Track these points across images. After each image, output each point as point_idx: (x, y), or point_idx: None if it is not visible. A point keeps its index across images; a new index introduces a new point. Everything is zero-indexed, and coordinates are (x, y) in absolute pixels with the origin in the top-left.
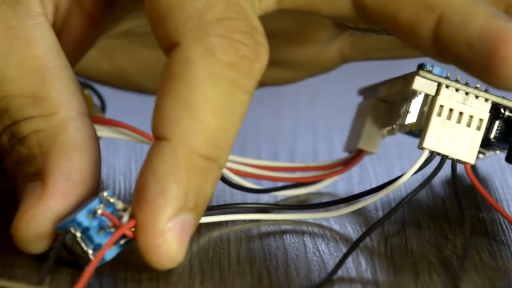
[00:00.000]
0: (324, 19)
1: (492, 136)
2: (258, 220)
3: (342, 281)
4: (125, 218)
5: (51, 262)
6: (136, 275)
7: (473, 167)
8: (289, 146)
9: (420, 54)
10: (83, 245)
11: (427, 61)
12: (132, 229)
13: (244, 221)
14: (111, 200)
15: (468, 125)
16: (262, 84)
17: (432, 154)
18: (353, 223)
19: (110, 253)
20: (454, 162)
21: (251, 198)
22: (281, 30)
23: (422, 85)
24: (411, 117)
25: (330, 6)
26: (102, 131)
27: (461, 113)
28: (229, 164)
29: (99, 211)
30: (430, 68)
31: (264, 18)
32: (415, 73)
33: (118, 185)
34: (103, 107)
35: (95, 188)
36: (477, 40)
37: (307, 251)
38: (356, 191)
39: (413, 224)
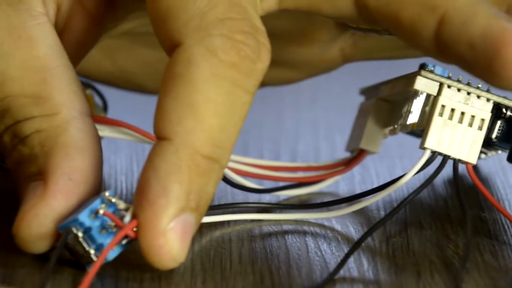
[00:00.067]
0: (325, 19)
1: (493, 136)
2: (260, 220)
3: (344, 281)
4: (127, 218)
5: (54, 262)
6: (138, 275)
7: (475, 167)
8: (291, 146)
9: (422, 54)
10: (85, 245)
11: (429, 61)
12: (134, 229)
13: (246, 221)
14: (113, 200)
15: (470, 125)
16: (263, 84)
17: (434, 154)
18: (355, 223)
19: (112, 253)
20: (456, 162)
21: (253, 198)
22: (283, 30)
23: (423, 85)
24: (413, 117)
25: (331, 6)
26: (104, 131)
27: (462, 113)
28: (231, 164)
29: (101, 211)
30: (432, 68)
31: (266, 18)
32: (417, 73)
33: (120, 184)
34: (105, 107)
35: (97, 188)
36: (479, 40)
37: (309, 251)
38: (358, 191)
39: (415, 224)
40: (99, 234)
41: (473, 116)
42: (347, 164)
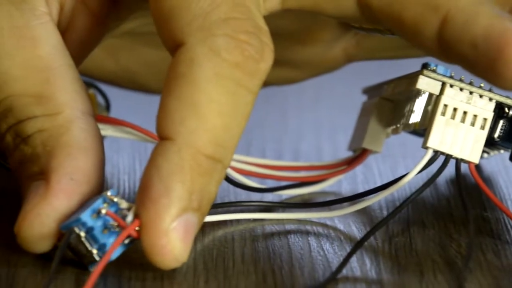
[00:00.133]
0: (328, 19)
1: (496, 135)
2: (262, 220)
3: (346, 280)
4: (130, 217)
5: (57, 262)
6: (140, 274)
7: (478, 167)
8: (293, 145)
9: (425, 54)
10: (87, 244)
11: (432, 60)
12: (136, 229)
13: (249, 220)
14: (115, 199)
15: (472, 124)
16: (267, 83)
17: (436, 153)
18: (358, 222)
19: (114, 252)
20: (458, 161)
21: (255, 197)
22: (286, 30)
23: (426, 84)
24: (415, 116)
25: (334, 6)
26: (107, 130)
27: (465, 113)
28: (233, 163)
29: (103, 211)
30: (434, 68)
31: (269, 18)
32: (419, 73)
33: (123, 184)
34: (107, 106)
35: (99, 188)
36: (482, 40)
37: (311, 250)
38: (361, 190)
39: (417, 224)
40: (101, 233)
41: (475, 116)
42: (349, 163)
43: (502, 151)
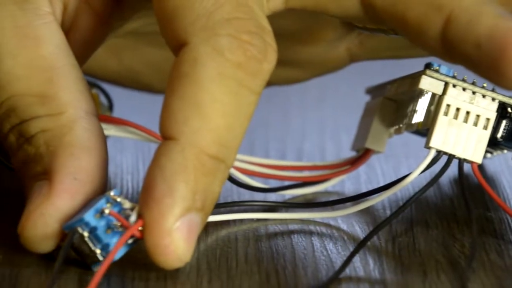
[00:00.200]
0: (332, 18)
1: (499, 135)
2: (265, 219)
3: (349, 280)
4: (133, 217)
5: (60, 262)
6: (144, 274)
7: (480, 167)
8: (296, 145)
9: (428, 54)
10: (90, 244)
11: (435, 60)
12: (140, 229)
13: (252, 220)
14: (118, 199)
15: (475, 124)
16: (270, 83)
17: (439, 153)
18: (361, 222)
19: (118, 252)
20: (461, 161)
21: (258, 197)
22: (289, 30)
23: (429, 84)
24: (418, 116)
25: (338, 6)
26: (110, 130)
27: (468, 113)
28: (236, 163)
29: (106, 211)
30: (437, 67)
31: (272, 18)
32: (422, 72)
33: (126, 184)
34: (110, 106)
35: (102, 188)
36: (485, 40)
37: (314, 250)
38: (364, 190)
39: (420, 223)
40: (104, 233)
41: (478, 116)
42: (352, 163)
43: (505, 151)
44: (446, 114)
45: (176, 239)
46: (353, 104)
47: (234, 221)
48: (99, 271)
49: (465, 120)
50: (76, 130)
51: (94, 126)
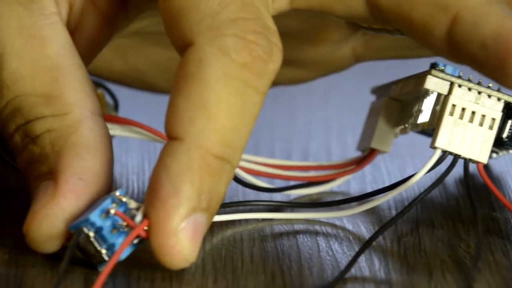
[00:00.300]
0: (337, 19)
1: (504, 135)
2: (271, 219)
3: (355, 280)
4: (138, 217)
5: (67, 262)
6: (149, 274)
7: (486, 167)
8: (302, 145)
9: (433, 54)
10: (96, 244)
11: (440, 60)
12: (145, 229)
13: (257, 220)
14: (123, 199)
15: (481, 124)
16: (275, 83)
17: (445, 153)
18: (366, 222)
19: (123, 252)
20: (467, 161)
21: (264, 197)
22: (295, 30)
23: (434, 84)
24: (424, 116)
25: (343, 6)
26: (115, 130)
27: (473, 113)
28: (242, 163)
29: (112, 211)
30: (443, 67)
31: (278, 18)
32: (428, 72)
33: (131, 184)
34: (116, 106)
35: (108, 188)
36: (491, 40)
37: (320, 250)
38: (369, 190)
39: (426, 223)
40: (110, 233)
41: (483, 116)
42: (358, 163)
43: (510, 151)
44: (451, 114)
45: (181, 240)
46: (359, 104)
47: (240, 221)
48: (105, 271)
49: (471, 120)
50: (82, 130)
51: (100, 126)
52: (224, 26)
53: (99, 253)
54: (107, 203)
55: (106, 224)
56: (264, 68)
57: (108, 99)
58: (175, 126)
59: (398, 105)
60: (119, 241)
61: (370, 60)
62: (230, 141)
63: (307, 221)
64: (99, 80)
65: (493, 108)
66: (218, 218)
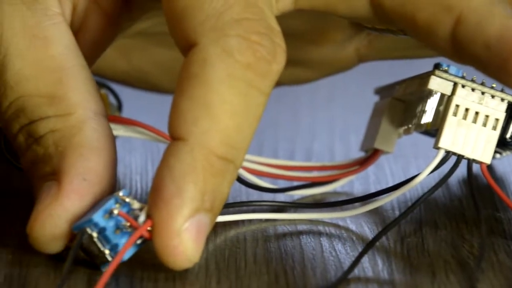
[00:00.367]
0: (341, 19)
1: (508, 135)
2: (274, 220)
3: (358, 281)
4: (142, 217)
5: (70, 263)
6: (152, 274)
7: (490, 167)
8: (305, 145)
9: (437, 54)
10: (99, 245)
11: (444, 60)
12: (149, 229)
13: (261, 220)
14: (127, 199)
15: (484, 124)
16: (279, 83)
17: (448, 153)
18: (370, 222)
19: (127, 253)
20: (470, 162)
21: (267, 197)
22: (298, 30)
23: (437, 84)
24: (427, 117)
25: (347, 7)
26: (119, 130)
27: (477, 113)
28: (245, 163)
29: (115, 211)
30: (446, 68)
31: (281, 18)
32: (431, 73)
33: (135, 184)
34: (119, 106)
35: (111, 188)
36: (495, 41)
37: (323, 251)
38: (373, 190)
39: (429, 224)
40: (113, 234)
41: (487, 116)
42: (361, 163)
43: None
44: (455, 114)
45: (185, 240)
46: (362, 104)
47: (243, 221)
48: (107, 271)
49: (474, 121)
50: (85, 130)
51: (103, 127)
52: (228, 27)
53: (103, 253)
54: (110, 203)
55: (110, 225)
56: (267, 69)
57: (112, 99)
58: (179, 126)
59: (401, 105)
60: (122, 241)
61: (374, 60)
62: (233, 142)
63: (311, 221)
64: (102, 81)
65: (497, 109)
66: (221, 218)
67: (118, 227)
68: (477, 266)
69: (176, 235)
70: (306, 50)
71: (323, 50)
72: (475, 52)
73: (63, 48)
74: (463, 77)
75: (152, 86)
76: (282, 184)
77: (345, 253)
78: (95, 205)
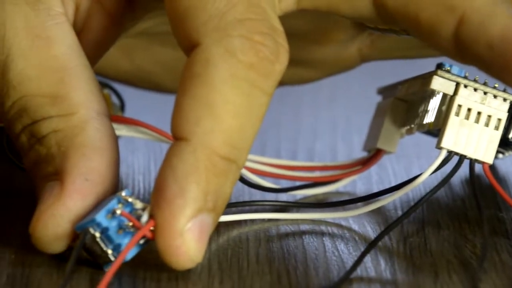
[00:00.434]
0: (343, 19)
1: (510, 136)
2: (277, 220)
3: (361, 281)
4: (145, 217)
5: (73, 263)
6: (155, 274)
7: (492, 167)
8: (308, 145)
9: (440, 54)
10: (102, 245)
11: (446, 60)
12: (151, 229)
13: (263, 220)
14: (129, 199)
15: (486, 124)
16: (282, 83)
17: (450, 153)
18: (372, 222)
19: (129, 253)
20: (472, 162)
21: (269, 197)
22: (301, 30)
23: (440, 84)
24: (429, 117)
25: (350, 7)
26: (121, 130)
27: (479, 113)
28: (248, 164)
29: (118, 211)
30: (449, 68)
31: (284, 18)
32: (434, 73)
33: (138, 184)
34: (122, 106)
35: (114, 188)
36: (498, 41)
37: (326, 251)
38: (375, 190)
39: (432, 224)
40: (116, 234)
41: (489, 116)
42: (364, 163)
43: None
44: (457, 114)
45: (187, 240)
46: (365, 104)
47: (245, 221)
48: (110, 271)
49: (476, 121)
50: (88, 130)
51: (106, 127)
52: (231, 27)
53: (105, 253)
54: (113, 203)
55: (112, 225)
56: (270, 69)
57: (114, 99)
58: (181, 126)
59: (404, 105)
60: (125, 241)
61: (376, 60)
62: (236, 142)
63: (313, 221)
64: (105, 80)
65: (499, 109)
66: (224, 218)
67: (120, 227)
68: (479, 266)
69: (178, 235)
70: (309, 50)
71: (325, 50)
72: (478, 52)
73: (66, 48)
74: (465, 77)
75: (154, 86)
76: (285, 184)
77: (347, 253)
78: (97, 205)
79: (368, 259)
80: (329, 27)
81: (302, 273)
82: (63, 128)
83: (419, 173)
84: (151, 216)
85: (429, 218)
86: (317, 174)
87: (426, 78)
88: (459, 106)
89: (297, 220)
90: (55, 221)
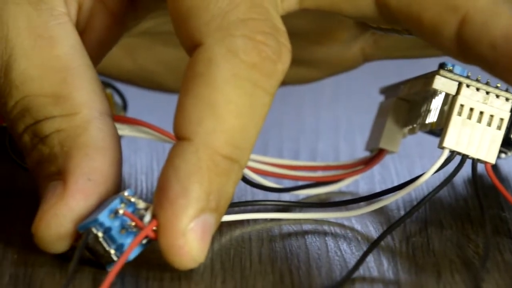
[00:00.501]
0: (346, 18)
1: None
2: (279, 219)
3: (363, 281)
4: (147, 217)
5: (76, 263)
6: (158, 274)
7: (495, 167)
8: (310, 145)
9: (442, 54)
10: (105, 245)
11: (449, 60)
12: (154, 229)
13: (266, 220)
14: (132, 199)
15: (489, 124)
16: (284, 83)
17: (453, 153)
18: (375, 222)
19: (132, 253)
20: (475, 161)
21: (272, 197)
22: (304, 30)
23: (442, 84)
24: (432, 116)
25: (352, 6)
26: (124, 130)
27: (481, 113)
28: (250, 163)
29: (121, 211)
30: (451, 68)
31: (286, 18)
32: (436, 72)
33: (140, 184)
34: (124, 106)
35: (116, 188)
36: (501, 41)
37: (328, 251)
38: (378, 190)
39: (435, 224)
40: (119, 234)
41: (492, 116)
42: (366, 163)
43: None
44: (459, 114)
45: (190, 240)
46: (367, 104)
47: (248, 221)
48: (113, 271)
49: (479, 120)
50: (91, 130)
51: (108, 127)
52: (233, 27)
53: (108, 253)
54: (115, 203)
55: (115, 225)
56: (273, 69)
57: (117, 99)
58: (184, 126)
59: (406, 105)
60: (127, 241)
61: (379, 59)
62: (238, 142)
63: (316, 221)
64: (107, 80)
65: (502, 108)
66: (226, 218)
67: (123, 227)
68: (482, 266)
69: (181, 235)
70: (311, 49)
71: (328, 50)
72: (481, 52)
73: (68, 48)
74: (467, 77)
75: (157, 86)
76: (287, 183)
77: (350, 253)
78: (100, 205)
79: (370, 258)
80: (331, 27)
81: (305, 273)
82: (66, 128)
83: (421, 172)
84: (153, 216)
85: (431, 218)
86: (319, 174)
87: (429, 77)
88: (462, 105)
89: (299, 220)
90: (57, 221)
